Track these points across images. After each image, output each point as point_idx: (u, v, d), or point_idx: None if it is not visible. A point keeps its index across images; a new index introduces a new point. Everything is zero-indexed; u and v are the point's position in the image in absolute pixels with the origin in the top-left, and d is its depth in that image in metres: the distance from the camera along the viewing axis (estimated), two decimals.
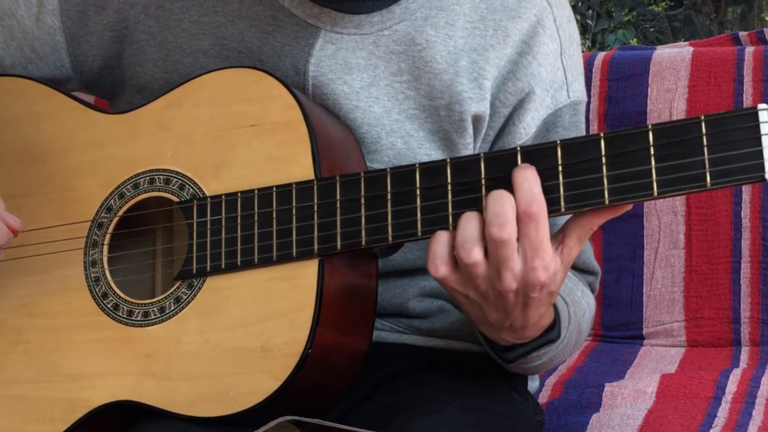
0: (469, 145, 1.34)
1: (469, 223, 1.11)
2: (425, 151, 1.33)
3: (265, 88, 1.25)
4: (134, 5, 1.37)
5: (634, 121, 1.92)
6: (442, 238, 1.13)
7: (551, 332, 1.23)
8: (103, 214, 1.31)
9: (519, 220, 1.09)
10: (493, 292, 1.13)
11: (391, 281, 1.38)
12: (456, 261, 1.13)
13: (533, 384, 1.51)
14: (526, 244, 1.09)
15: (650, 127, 1.08)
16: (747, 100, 1.88)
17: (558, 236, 1.12)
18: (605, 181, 1.09)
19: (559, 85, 1.35)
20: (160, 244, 1.38)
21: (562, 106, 1.36)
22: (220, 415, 1.19)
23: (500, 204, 1.09)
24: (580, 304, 1.35)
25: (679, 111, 1.89)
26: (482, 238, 1.11)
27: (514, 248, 1.09)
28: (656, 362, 1.81)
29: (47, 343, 1.30)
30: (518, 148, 1.13)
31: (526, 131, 1.34)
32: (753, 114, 1.04)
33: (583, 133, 1.41)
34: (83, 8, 1.39)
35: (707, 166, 1.05)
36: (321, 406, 1.22)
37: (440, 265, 1.12)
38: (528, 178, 1.09)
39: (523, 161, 1.12)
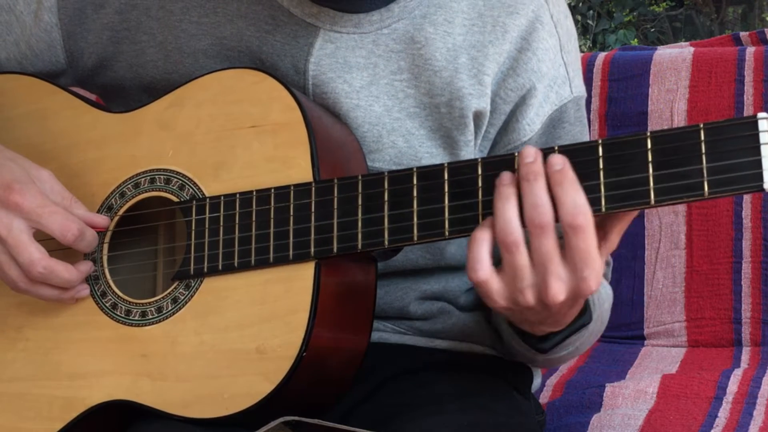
0: (470, 143, 1.33)
1: (506, 206, 1.08)
2: (426, 149, 1.33)
3: (266, 89, 1.25)
4: (136, 6, 1.37)
5: (635, 121, 1.92)
6: (478, 237, 1.09)
7: (584, 316, 1.22)
8: (103, 213, 1.31)
9: (565, 233, 1.06)
10: (539, 305, 1.10)
11: (392, 284, 1.38)
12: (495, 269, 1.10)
13: (535, 383, 1.51)
14: (575, 255, 1.06)
15: (648, 134, 1.07)
16: (748, 101, 1.87)
17: (599, 232, 1.09)
18: (602, 189, 1.07)
19: (561, 80, 1.35)
20: (162, 243, 1.38)
21: (566, 101, 1.36)
22: (214, 416, 1.19)
23: (536, 195, 1.07)
24: (600, 293, 1.34)
25: (680, 111, 1.89)
26: (522, 227, 1.07)
27: (556, 245, 1.07)
28: (657, 362, 1.81)
29: (46, 341, 1.31)
30: (516, 154, 1.11)
31: (530, 127, 1.34)
32: (752, 123, 1.03)
33: (587, 128, 1.41)
34: (81, 6, 1.39)
35: (705, 174, 1.04)
36: (317, 408, 1.21)
37: (480, 270, 1.08)
38: (568, 191, 1.06)
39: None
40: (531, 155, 1.08)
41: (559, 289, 1.07)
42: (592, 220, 1.06)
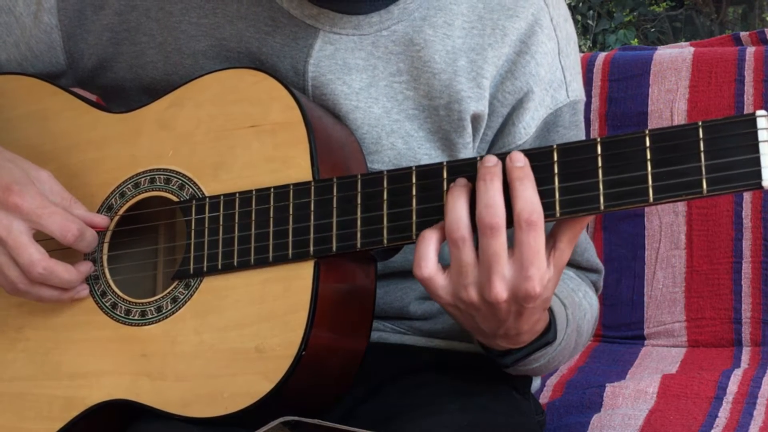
0: (468, 145, 1.34)
1: (457, 203, 1.11)
2: (425, 151, 1.33)
3: (266, 89, 1.25)
4: (136, 8, 1.37)
5: (635, 121, 1.92)
6: (426, 236, 1.12)
7: (547, 335, 1.23)
8: (103, 213, 1.31)
9: (518, 228, 1.08)
10: (484, 304, 1.12)
11: (392, 284, 1.38)
12: (442, 266, 1.12)
13: (535, 383, 1.51)
14: (523, 252, 1.08)
15: (647, 132, 1.07)
16: (748, 101, 1.87)
17: (549, 241, 1.11)
18: (601, 187, 1.08)
19: (558, 84, 1.35)
20: (162, 243, 1.38)
21: (561, 105, 1.36)
22: (213, 415, 1.19)
23: (490, 195, 1.09)
24: (581, 305, 1.34)
25: (680, 111, 1.89)
26: (471, 220, 1.10)
27: (504, 246, 1.09)
28: (657, 362, 1.81)
29: (47, 341, 1.31)
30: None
31: (526, 131, 1.34)
32: (751, 120, 1.03)
33: (584, 132, 1.41)
34: (81, 7, 1.39)
35: (704, 172, 1.04)
36: (317, 407, 1.21)
37: (425, 267, 1.12)
38: (528, 187, 1.09)
39: None
40: (492, 161, 1.11)
41: (501, 288, 1.10)
42: (543, 219, 1.08)
